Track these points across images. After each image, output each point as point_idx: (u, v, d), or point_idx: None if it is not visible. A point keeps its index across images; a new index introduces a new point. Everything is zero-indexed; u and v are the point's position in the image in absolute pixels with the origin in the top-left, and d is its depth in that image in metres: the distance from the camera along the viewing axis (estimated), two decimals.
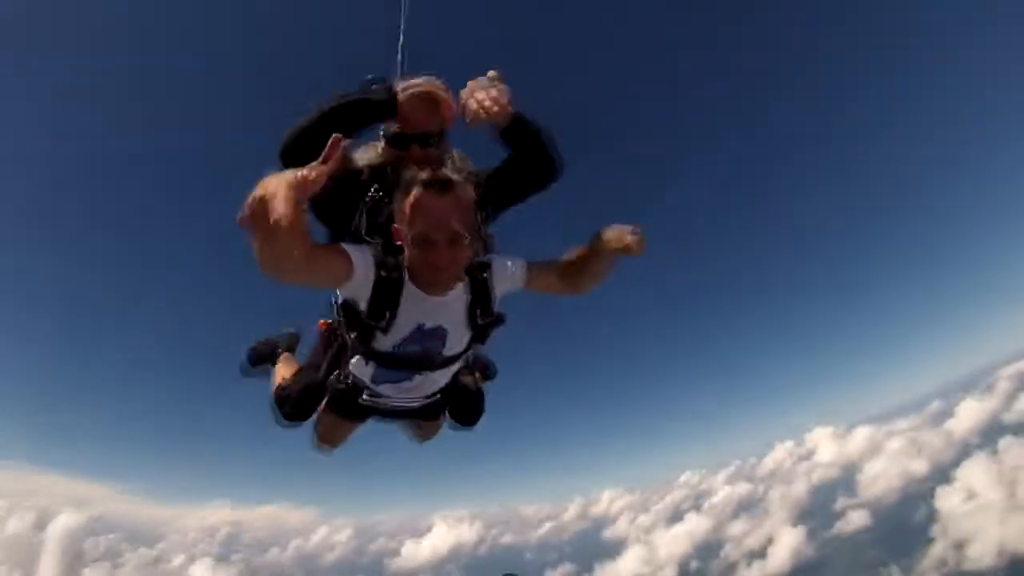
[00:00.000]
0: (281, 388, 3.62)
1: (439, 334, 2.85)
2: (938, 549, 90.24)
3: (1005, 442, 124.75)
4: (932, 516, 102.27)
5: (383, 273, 2.56)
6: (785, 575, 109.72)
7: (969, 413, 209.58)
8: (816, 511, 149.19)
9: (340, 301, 2.73)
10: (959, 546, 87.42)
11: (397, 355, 2.88)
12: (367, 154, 3.07)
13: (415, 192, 2.43)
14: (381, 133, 2.99)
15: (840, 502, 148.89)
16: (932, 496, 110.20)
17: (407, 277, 2.62)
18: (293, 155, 2.50)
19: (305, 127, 2.58)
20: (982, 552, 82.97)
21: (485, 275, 2.82)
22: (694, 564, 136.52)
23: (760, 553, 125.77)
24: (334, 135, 1.94)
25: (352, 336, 2.81)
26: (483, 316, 2.88)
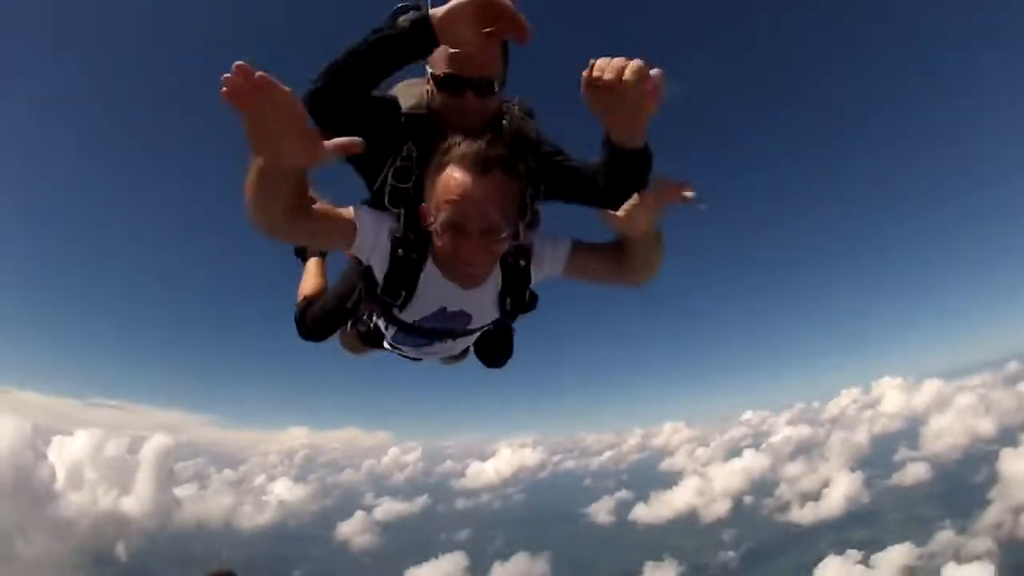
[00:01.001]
0: (304, 304, 3.60)
1: (463, 317, 2.61)
2: (995, 512, 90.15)
3: None
4: (993, 478, 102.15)
5: (400, 251, 2.32)
6: (838, 519, 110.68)
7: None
8: (876, 460, 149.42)
9: (360, 269, 2.57)
10: (1017, 511, 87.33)
11: (416, 327, 2.68)
12: (410, 92, 2.54)
13: (450, 170, 2.07)
14: (428, 70, 2.37)
15: (901, 453, 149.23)
16: (996, 458, 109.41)
17: (431, 259, 2.36)
18: (319, 106, 2.16)
19: (331, 75, 2.16)
20: None
21: (523, 261, 2.48)
22: (748, 499, 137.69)
23: (815, 496, 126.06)
24: (356, 141, 1.82)
25: (371, 302, 2.66)
26: (514, 304, 2.58)
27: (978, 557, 76.01)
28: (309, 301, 3.59)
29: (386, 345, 3.13)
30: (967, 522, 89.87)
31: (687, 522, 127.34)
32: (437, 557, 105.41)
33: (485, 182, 2.04)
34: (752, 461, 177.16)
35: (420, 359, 3.25)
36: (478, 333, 2.90)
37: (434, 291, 2.41)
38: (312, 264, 3.93)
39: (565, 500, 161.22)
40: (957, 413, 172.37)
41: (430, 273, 2.35)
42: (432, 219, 2.12)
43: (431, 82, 2.36)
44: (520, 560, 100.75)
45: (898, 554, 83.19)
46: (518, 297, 2.55)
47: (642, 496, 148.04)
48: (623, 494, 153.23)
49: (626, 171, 2.25)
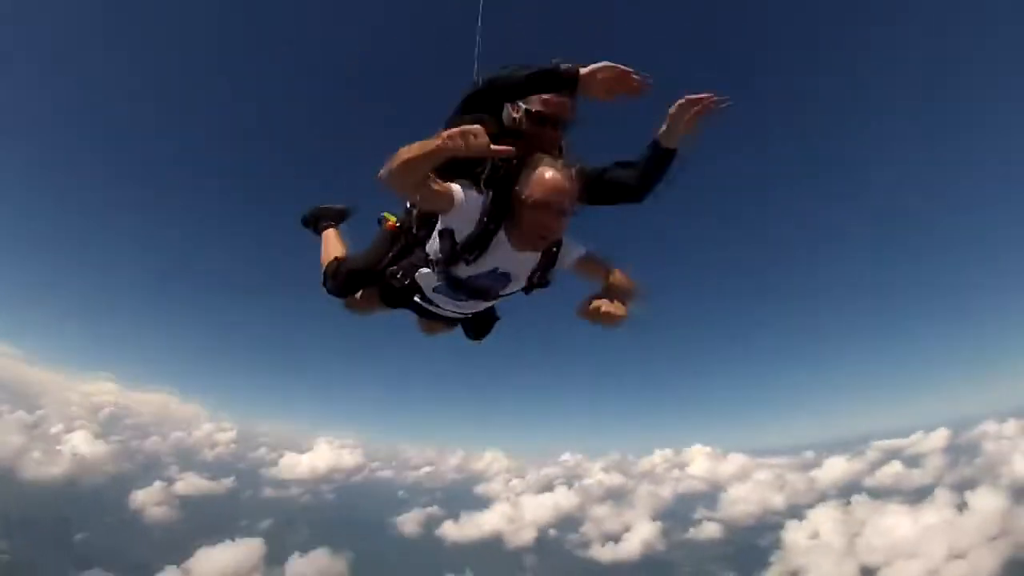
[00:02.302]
0: (335, 264, 4.29)
1: (505, 279, 3.50)
2: (774, 574, 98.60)
3: (858, 499, 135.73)
4: (777, 544, 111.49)
5: (485, 220, 3.16)
6: (634, 562, 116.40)
7: (835, 468, 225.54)
8: (676, 515, 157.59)
9: (440, 227, 3.31)
10: (792, 573, 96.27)
11: (466, 282, 3.50)
12: (505, 114, 3.58)
13: (543, 168, 3.06)
14: (523, 106, 3.45)
15: (699, 512, 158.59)
16: (782, 528, 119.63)
17: (503, 228, 3.23)
18: (484, 99, 3.45)
19: (495, 83, 3.36)
20: None
21: (556, 249, 3.43)
22: (553, 532, 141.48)
23: (615, 538, 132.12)
24: (511, 149, 2.73)
25: (439, 255, 3.39)
26: (539, 279, 3.55)
27: None
28: (340, 261, 4.31)
29: (419, 299, 3.82)
30: None
31: (492, 545, 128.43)
32: (234, 540, 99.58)
33: (567, 179, 3.06)
34: (563, 498, 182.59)
35: (434, 313, 3.99)
36: (500, 300, 3.88)
37: (498, 253, 3.30)
38: (331, 234, 4.84)
39: (376, 506, 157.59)
40: (754, 485, 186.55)
41: (499, 239, 3.25)
42: (525, 198, 3.05)
43: (524, 113, 3.45)
44: (320, 556, 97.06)
45: None
46: (544, 274, 3.54)
47: (453, 514, 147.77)
48: (434, 510, 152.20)
49: (664, 157, 3.47)
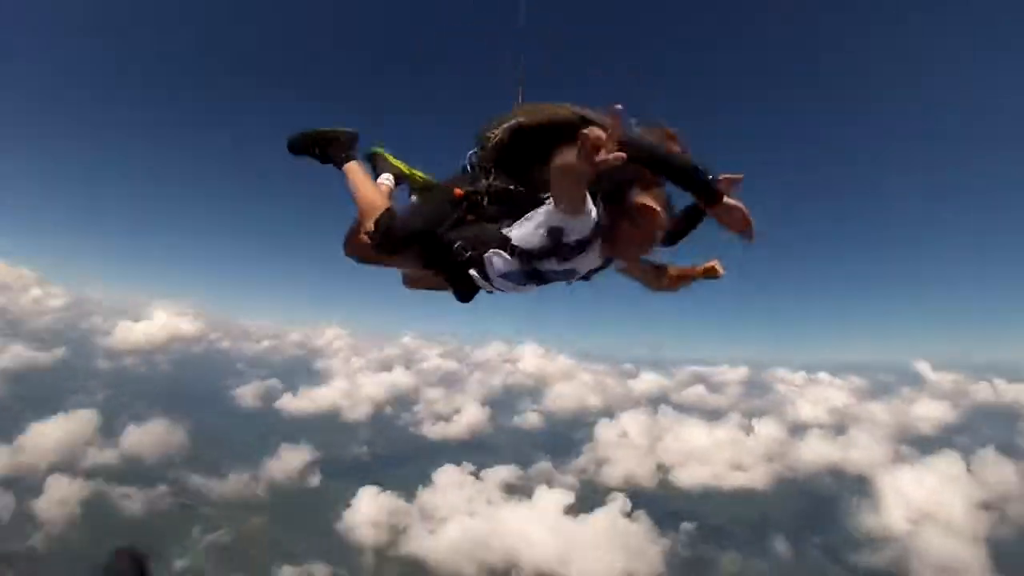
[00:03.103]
0: (387, 218, 3.91)
1: (572, 274, 3.62)
2: (583, 461, 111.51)
3: (664, 410, 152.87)
4: (589, 438, 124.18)
5: (595, 230, 3.28)
6: (461, 441, 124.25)
7: (649, 382, 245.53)
8: (503, 403, 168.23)
9: (549, 224, 3.32)
10: (599, 464, 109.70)
11: (543, 274, 3.60)
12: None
13: (656, 193, 3.21)
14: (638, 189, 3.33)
15: (525, 404, 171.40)
16: (595, 425, 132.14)
17: (599, 237, 3.36)
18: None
19: (647, 153, 3.10)
20: (613, 475, 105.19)
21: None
22: (388, 410, 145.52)
23: (446, 418, 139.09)
24: (623, 155, 2.47)
25: (532, 247, 3.46)
26: (591, 275, 3.79)
27: (563, 486, 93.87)
28: (392, 216, 3.93)
29: (471, 272, 3.74)
30: (561, 463, 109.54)
31: (329, 418, 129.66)
32: (67, 413, 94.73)
33: (668, 207, 3.27)
34: (400, 378, 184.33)
35: (495, 291, 3.89)
36: (548, 285, 3.83)
37: (587, 256, 3.47)
38: (358, 172, 4.39)
39: (214, 378, 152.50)
40: (577, 386, 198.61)
41: (594, 246, 3.41)
42: (638, 219, 3.22)
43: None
44: (156, 426, 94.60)
45: (504, 473, 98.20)
46: (594, 272, 3.81)
47: (291, 387, 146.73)
48: (273, 383, 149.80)
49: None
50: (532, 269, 3.55)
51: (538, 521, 78.70)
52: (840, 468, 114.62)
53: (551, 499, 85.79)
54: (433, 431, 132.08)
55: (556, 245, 3.36)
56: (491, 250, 3.60)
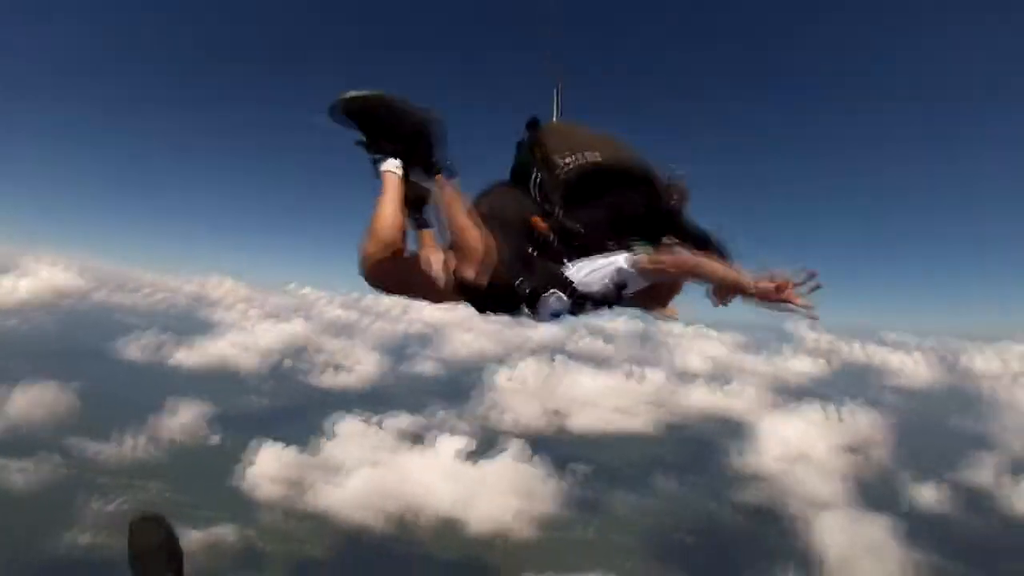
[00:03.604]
0: (494, 259, 3.31)
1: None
2: (480, 408, 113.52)
3: (559, 357, 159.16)
4: (486, 385, 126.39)
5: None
6: (359, 390, 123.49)
7: (545, 331, 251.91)
8: (401, 352, 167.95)
9: (622, 278, 3.47)
10: (496, 410, 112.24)
11: (584, 310, 3.65)
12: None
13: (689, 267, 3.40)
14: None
15: (422, 351, 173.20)
16: (492, 372, 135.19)
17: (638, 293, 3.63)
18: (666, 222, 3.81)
19: (693, 233, 3.76)
20: (510, 420, 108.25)
21: None
22: (286, 361, 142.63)
23: (345, 369, 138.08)
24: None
25: (593, 292, 3.50)
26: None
27: (461, 433, 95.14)
28: (484, 279, 3.36)
29: (522, 308, 3.55)
30: (459, 410, 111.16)
31: (223, 370, 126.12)
32: None
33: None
34: (297, 328, 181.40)
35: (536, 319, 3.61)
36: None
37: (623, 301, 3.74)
38: (452, 190, 3.45)
39: (101, 333, 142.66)
40: (475, 334, 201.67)
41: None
42: (671, 282, 3.71)
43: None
44: (42, 390, 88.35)
45: (403, 421, 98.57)
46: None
47: (183, 340, 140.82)
48: (163, 336, 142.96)
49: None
50: (582, 308, 3.55)
51: (438, 467, 79.90)
52: (721, 414, 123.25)
53: (450, 445, 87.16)
54: (332, 381, 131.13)
55: (617, 295, 3.51)
56: (551, 290, 3.43)
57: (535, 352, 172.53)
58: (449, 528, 68.88)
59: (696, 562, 66.05)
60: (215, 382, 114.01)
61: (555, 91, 4.17)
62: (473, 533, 68.32)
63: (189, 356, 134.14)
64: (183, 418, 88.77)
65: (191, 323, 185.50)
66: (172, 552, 2.62)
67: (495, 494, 74.15)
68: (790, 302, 3.05)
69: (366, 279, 3.44)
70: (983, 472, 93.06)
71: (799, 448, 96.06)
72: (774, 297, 3.08)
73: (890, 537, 70.24)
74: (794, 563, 65.47)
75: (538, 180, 3.80)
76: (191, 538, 59.35)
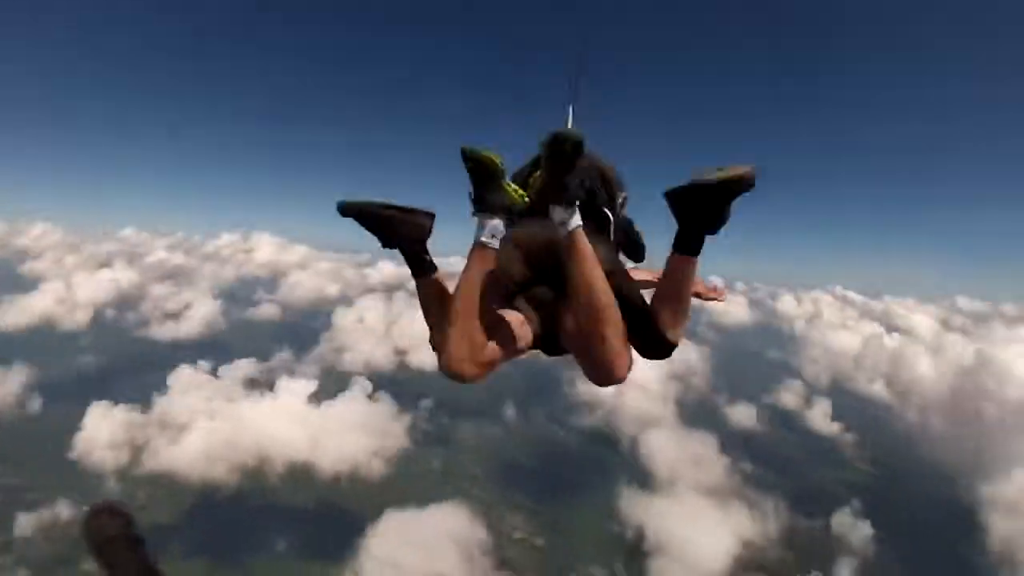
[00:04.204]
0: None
1: None
2: (323, 349, 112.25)
3: (399, 295, 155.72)
4: (328, 326, 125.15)
5: None
6: (195, 339, 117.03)
7: (384, 271, 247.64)
8: (237, 295, 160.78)
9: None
10: (339, 351, 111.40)
11: None
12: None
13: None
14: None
15: (260, 295, 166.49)
16: (333, 313, 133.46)
17: None
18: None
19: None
20: (353, 360, 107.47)
21: None
22: (111, 312, 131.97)
23: (176, 317, 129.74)
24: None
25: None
26: None
27: (305, 376, 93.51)
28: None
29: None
30: (301, 352, 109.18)
31: (43, 329, 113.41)
32: None
33: None
34: (121, 275, 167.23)
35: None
36: None
37: None
38: (476, 280, 2.77)
39: None
40: (314, 275, 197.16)
41: None
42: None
43: None
44: None
45: (243, 368, 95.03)
46: None
47: None
48: None
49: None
50: None
51: (283, 413, 78.26)
52: None
53: (294, 389, 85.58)
54: (163, 332, 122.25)
55: None
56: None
57: (375, 291, 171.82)
58: (301, 473, 68.24)
59: (540, 483, 70.18)
60: (34, 343, 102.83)
61: (569, 106, 3.70)
62: (325, 476, 68.20)
63: (2, 315, 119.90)
64: (0, 388, 79.80)
65: (3, 277, 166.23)
66: (132, 538, 2.52)
67: (343, 435, 74.15)
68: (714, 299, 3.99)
69: (471, 376, 2.83)
70: (789, 396, 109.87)
71: (631, 377, 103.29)
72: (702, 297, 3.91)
73: (711, 451, 78.89)
74: (628, 477, 71.49)
75: (618, 215, 3.67)
76: (23, 524, 54.37)
